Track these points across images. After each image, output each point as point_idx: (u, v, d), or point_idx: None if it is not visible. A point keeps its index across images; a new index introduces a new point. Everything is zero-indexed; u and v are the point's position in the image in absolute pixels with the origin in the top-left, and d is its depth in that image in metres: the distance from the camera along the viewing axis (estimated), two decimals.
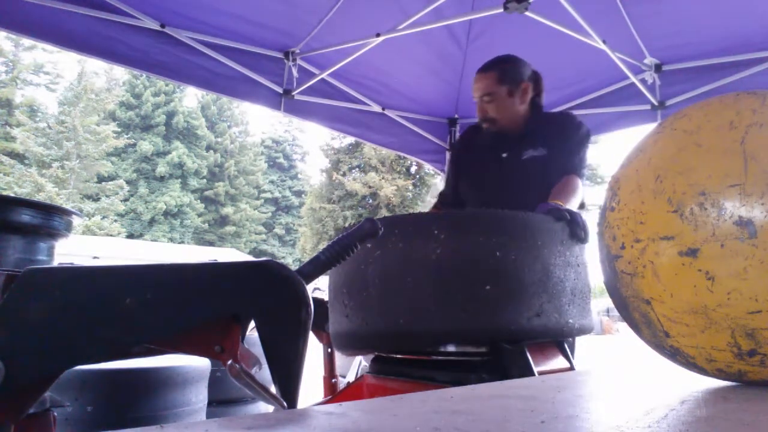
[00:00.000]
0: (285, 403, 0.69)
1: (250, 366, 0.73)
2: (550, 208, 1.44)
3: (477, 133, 2.10)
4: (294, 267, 0.80)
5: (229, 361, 0.66)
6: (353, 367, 2.93)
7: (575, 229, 1.33)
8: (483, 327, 1.17)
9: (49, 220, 1.62)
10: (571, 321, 1.25)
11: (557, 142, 1.91)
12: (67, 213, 1.70)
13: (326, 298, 1.46)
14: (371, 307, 1.23)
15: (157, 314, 0.68)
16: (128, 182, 32.75)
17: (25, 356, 0.63)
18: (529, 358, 1.23)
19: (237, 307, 0.71)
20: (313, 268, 0.81)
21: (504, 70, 1.95)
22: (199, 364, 2.12)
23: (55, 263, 1.46)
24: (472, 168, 2.09)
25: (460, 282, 1.18)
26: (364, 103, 3.72)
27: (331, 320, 1.39)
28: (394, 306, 1.21)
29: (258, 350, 0.74)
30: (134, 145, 33.96)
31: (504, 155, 2.00)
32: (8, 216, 1.53)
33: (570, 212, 1.38)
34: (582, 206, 1.84)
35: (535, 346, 1.33)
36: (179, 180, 35.15)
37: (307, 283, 0.78)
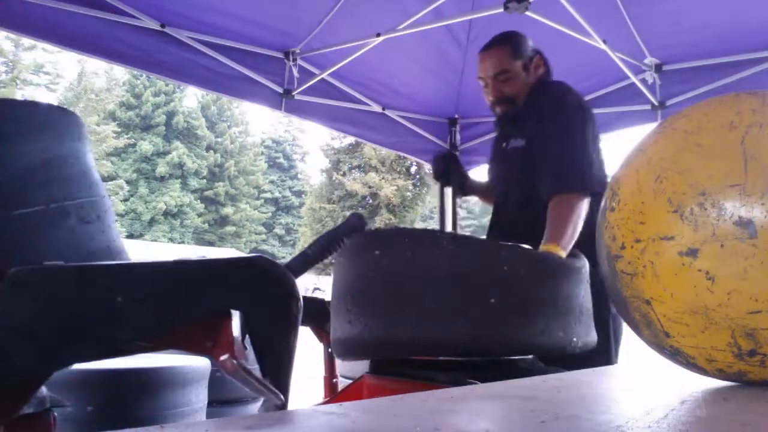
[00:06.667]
0: (282, 396, 0.70)
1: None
2: None
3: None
4: None
5: (223, 357, 0.66)
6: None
7: None
8: (485, 340, 1.17)
9: None
10: (575, 339, 1.25)
11: (536, 129, 1.70)
12: None
13: (327, 299, 1.46)
14: (375, 315, 1.23)
15: (148, 312, 0.68)
16: (128, 182, 32.75)
17: (16, 357, 0.63)
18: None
19: (228, 303, 0.72)
20: (300, 263, 0.82)
21: (515, 44, 1.81)
22: (199, 364, 2.12)
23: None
24: (491, 159, 2.03)
25: (465, 293, 1.17)
26: (364, 103, 3.71)
27: (333, 326, 1.39)
28: (397, 314, 1.20)
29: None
30: (134, 145, 33.92)
31: (503, 144, 1.88)
32: None
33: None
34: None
35: None
36: (179, 180, 35.12)
37: (296, 277, 0.78)
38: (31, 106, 0.91)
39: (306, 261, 0.83)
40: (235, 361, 0.65)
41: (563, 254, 1.41)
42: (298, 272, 0.81)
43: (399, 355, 1.35)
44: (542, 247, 1.46)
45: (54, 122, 0.90)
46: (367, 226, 0.87)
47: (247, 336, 0.75)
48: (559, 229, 1.48)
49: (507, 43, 1.83)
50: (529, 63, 1.83)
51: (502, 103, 1.84)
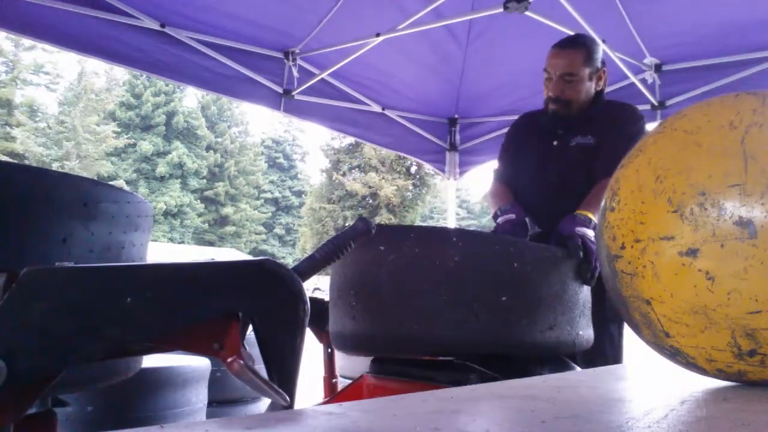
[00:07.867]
0: (288, 397, 0.70)
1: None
2: (572, 234, 1.43)
3: (532, 119, 2.07)
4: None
5: (230, 358, 0.67)
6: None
7: (582, 271, 1.32)
8: (496, 338, 1.17)
9: None
10: (581, 333, 1.25)
11: (608, 132, 1.85)
12: None
13: (326, 298, 1.45)
14: (382, 310, 1.22)
15: (157, 313, 0.69)
16: (128, 182, 32.73)
17: (27, 356, 0.63)
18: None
19: (235, 305, 0.72)
20: (309, 266, 0.83)
21: (590, 51, 1.89)
22: (199, 364, 2.12)
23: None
24: (526, 152, 2.04)
25: (475, 290, 1.17)
26: (364, 103, 3.71)
27: (333, 320, 1.38)
28: (406, 310, 1.19)
29: (254, 350, 0.74)
30: (134, 145, 33.91)
31: (555, 142, 1.96)
32: None
33: (585, 247, 1.37)
34: None
35: None
36: (179, 180, 35.11)
37: (303, 280, 0.79)
38: (121, 193, 0.92)
39: (314, 264, 0.83)
40: (242, 362, 0.66)
41: (596, 220, 1.55)
42: (306, 275, 0.82)
43: (407, 354, 1.36)
44: (579, 212, 1.61)
45: (131, 212, 0.91)
46: (374, 230, 0.88)
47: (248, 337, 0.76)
48: (597, 200, 1.65)
49: (583, 47, 1.90)
50: (595, 73, 1.92)
51: (559, 102, 1.91)
